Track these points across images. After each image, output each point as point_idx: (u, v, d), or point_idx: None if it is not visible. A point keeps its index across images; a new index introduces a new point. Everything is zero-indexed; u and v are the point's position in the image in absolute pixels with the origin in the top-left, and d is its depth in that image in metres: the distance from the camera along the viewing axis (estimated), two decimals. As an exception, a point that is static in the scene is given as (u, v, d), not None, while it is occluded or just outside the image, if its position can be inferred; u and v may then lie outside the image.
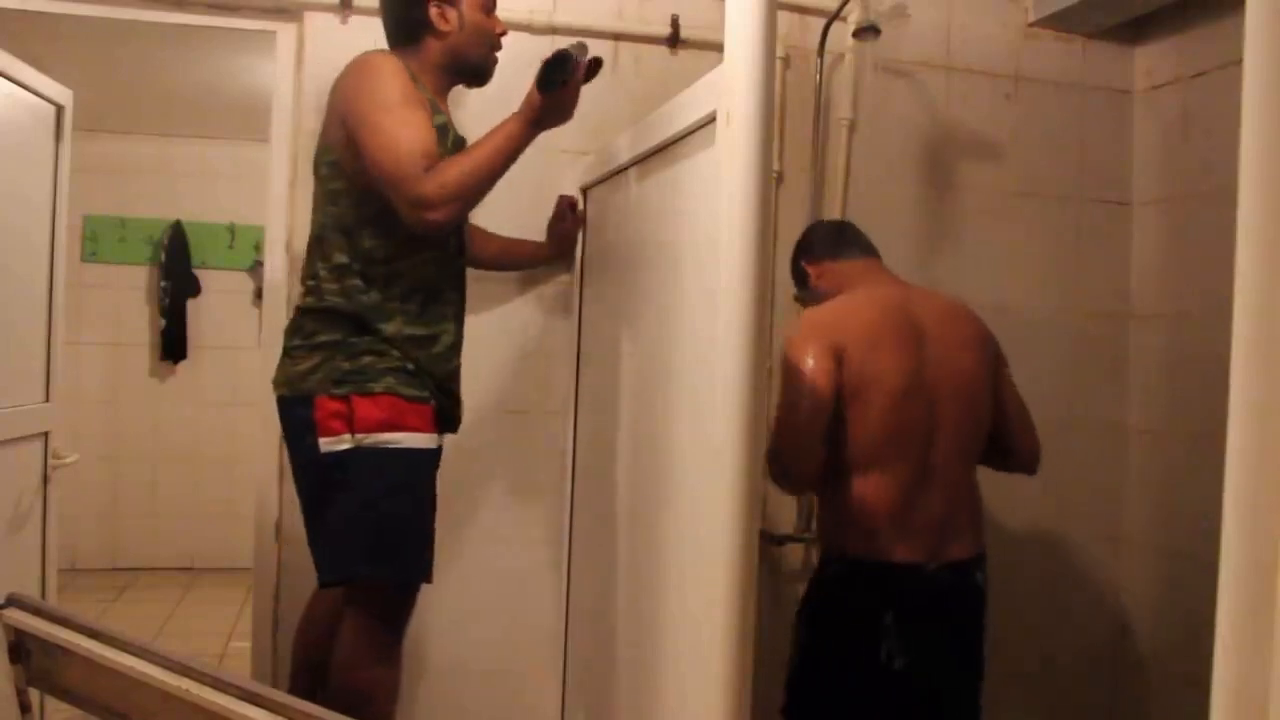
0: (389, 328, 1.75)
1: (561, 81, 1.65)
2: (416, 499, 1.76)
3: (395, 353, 1.74)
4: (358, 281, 1.75)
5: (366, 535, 1.71)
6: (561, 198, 2.28)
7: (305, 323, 1.79)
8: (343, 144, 1.75)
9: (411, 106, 1.68)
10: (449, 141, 1.78)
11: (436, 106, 1.80)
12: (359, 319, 1.74)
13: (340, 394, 1.71)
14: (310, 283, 1.81)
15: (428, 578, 1.78)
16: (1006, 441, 2.01)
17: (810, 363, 1.82)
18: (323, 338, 1.75)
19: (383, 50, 1.82)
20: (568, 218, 2.27)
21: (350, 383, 1.71)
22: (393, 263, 1.76)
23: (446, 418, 1.86)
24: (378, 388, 1.71)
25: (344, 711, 1.60)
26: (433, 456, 1.79)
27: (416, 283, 1.78)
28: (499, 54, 1.94)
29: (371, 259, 1.75)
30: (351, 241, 1.76)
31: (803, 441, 1.82)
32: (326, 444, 1.70)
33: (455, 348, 1.87)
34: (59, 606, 1.60)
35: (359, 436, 1.69)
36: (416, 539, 1.75)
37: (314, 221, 1.85)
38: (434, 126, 1.71)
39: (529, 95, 1.68)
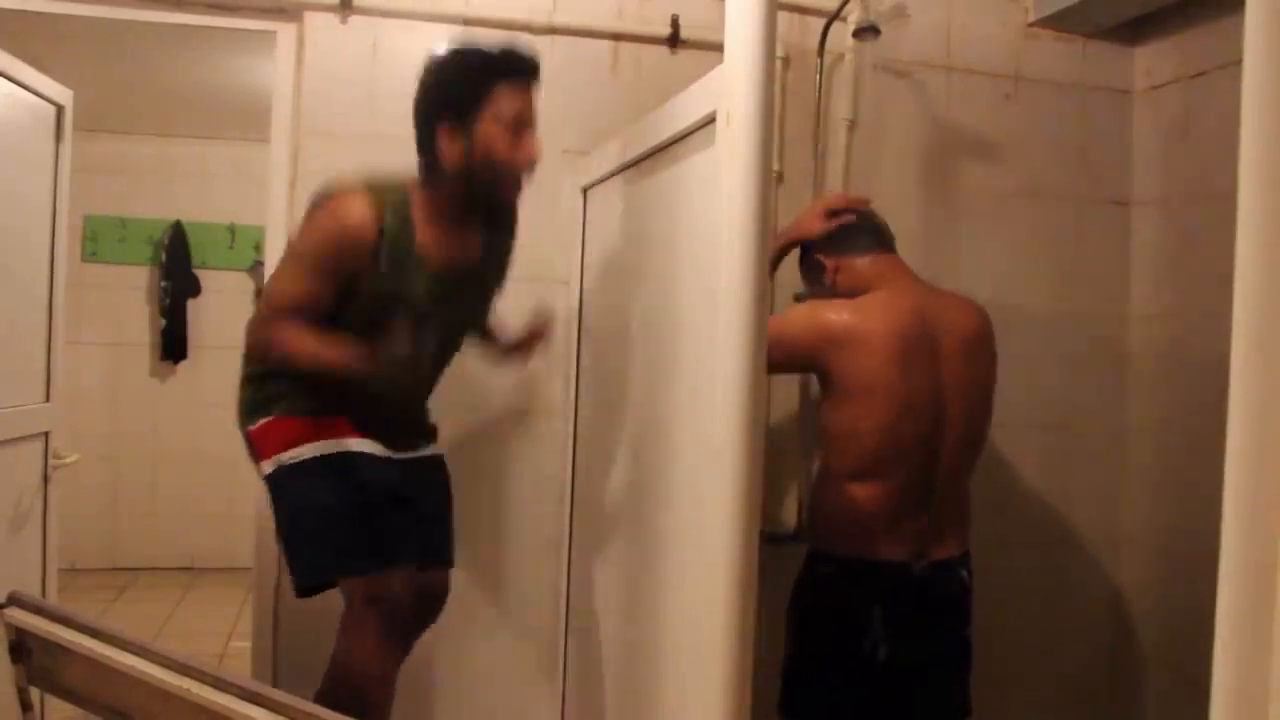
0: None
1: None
2: (333, 501, 1.77)
3: (295, 383, 1.81)
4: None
5: (305, 544, 1.80)
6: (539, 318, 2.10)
7: (241, 364, 1.91)
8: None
9: (314, 273, 1.73)
10: (390, 303, 1.75)
11: (399, 267, 1.75)
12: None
13: (255, 425, 1.83)
14: None
15: (376, 568, 1.76)
16: None
17: (780, 355, 1.79)
18: (245, 372, 1.88)
19: (358, 193, 1.72)
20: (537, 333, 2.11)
21: (259, 412, 1.83)
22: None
23: (379, 422, 1.85)
24: (277, 410, 1.81)
25: (336, 702, 1.61)
26: (345, 460, 1.79)
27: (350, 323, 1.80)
28: (523, 186, 1.79)
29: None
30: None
31: None
32: (263, 469, 1.82)
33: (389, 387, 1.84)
34: (60, 606, 1.60)
35: (275, 458, 1.79)
36: (349, 536, 1.77)
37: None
38: (336, 291, 1.73)
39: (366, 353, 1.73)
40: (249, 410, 1.85)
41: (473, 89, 1.72)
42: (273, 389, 1.82)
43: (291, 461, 1.78)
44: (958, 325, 1.92)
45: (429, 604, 1.97)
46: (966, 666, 1.98)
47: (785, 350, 1.84)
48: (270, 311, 1.78)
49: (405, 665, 1.89)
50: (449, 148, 1.73)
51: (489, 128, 1.71)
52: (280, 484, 1.80)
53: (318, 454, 1.78)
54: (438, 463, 2.00)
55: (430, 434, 2.01)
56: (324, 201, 1.76)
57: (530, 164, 1.77)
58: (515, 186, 1.78)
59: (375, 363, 1.72)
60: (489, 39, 1.81)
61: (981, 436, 1.97)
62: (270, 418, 1.81)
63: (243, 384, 1.88)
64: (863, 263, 1.98)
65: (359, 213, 1.70)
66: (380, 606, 1.75)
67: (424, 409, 2.01)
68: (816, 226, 2.03)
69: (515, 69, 1.74)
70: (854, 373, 1.84)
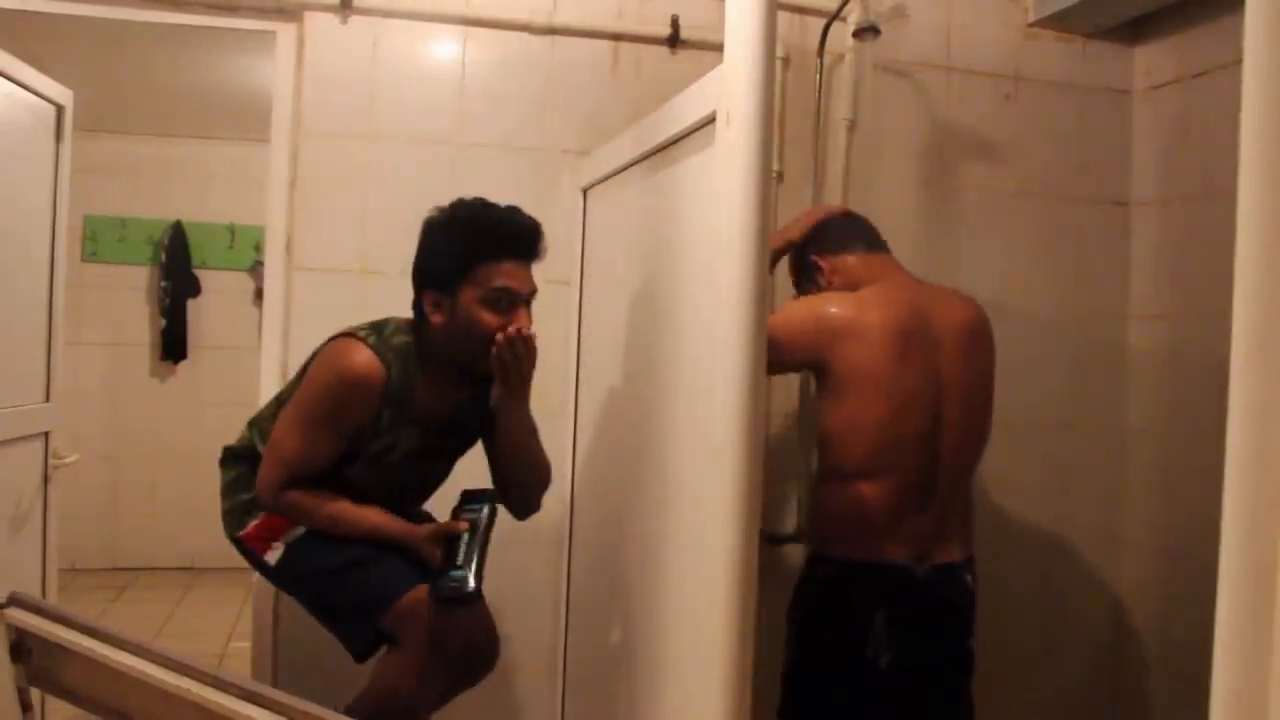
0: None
1: (450, 601, 1.64)
2: (349, 546, 1.76)
3: None
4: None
5: (345, 600, 1.76)
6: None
7: (221, 470, 1.90)
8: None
9: (320, 427, 1.72)
10: (385, 459, 1.77)
11: (398, 419, 1.74)
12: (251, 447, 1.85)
13: (247, 528, 1.82)
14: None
15: (409, 585, 1.71)
16: None
17: (780, 353, 1.79)
18: (228, 477, 1.87)
19: (367, 345, 1.71)
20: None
21: (248, 515, 1.82)
22: None
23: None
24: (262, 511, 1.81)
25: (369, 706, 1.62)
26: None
27: (347, 481, 1.83)
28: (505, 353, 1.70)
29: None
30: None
31: None
32: (271, 560, 1.81)
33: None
34: (59, 606, 1.60)
35: (282, 542, 1.79)
36: (380, 569, 1.75)
37: None
38: (339, 447, 1.73)
39: (422, 549, 1.71)
40: (238, 515, 1.83)
41: (458, 262, 1.69)
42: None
43: (298, 536, 1.78)
44: (955, 319, 1.93)
45: (474, 652, 1.81)
46: (969, 677, 1.97)
47: (785, 347, 1.84)
48: (276, 470, 1.75)
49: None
50: (433, 313, 1.72)
51: (471, 301, 1.68)
52: (294, 559, 1.78)
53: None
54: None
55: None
56: (332, 351, 1.74)
57: (519, 338, 1.69)
58: (496, 356, 1.70)
59: (425, 551, 1.71)
60: (492, 210, 1.75)
61: (983, 432, 1.96)
62: (261, 516, 1.80)
63: (225, 491, 1.87)
64: (857, 262, 1.99)
65: (366, 363, 1.69)
66: (422, 628, 1.68)
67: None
68: (796, 230, 2.06)
69: (505, 247, 1.70)
70: (854, 366, 1.83)
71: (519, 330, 1.70)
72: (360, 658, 1.77)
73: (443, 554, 1.68)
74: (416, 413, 1.76)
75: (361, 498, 1.78)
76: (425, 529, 1.75)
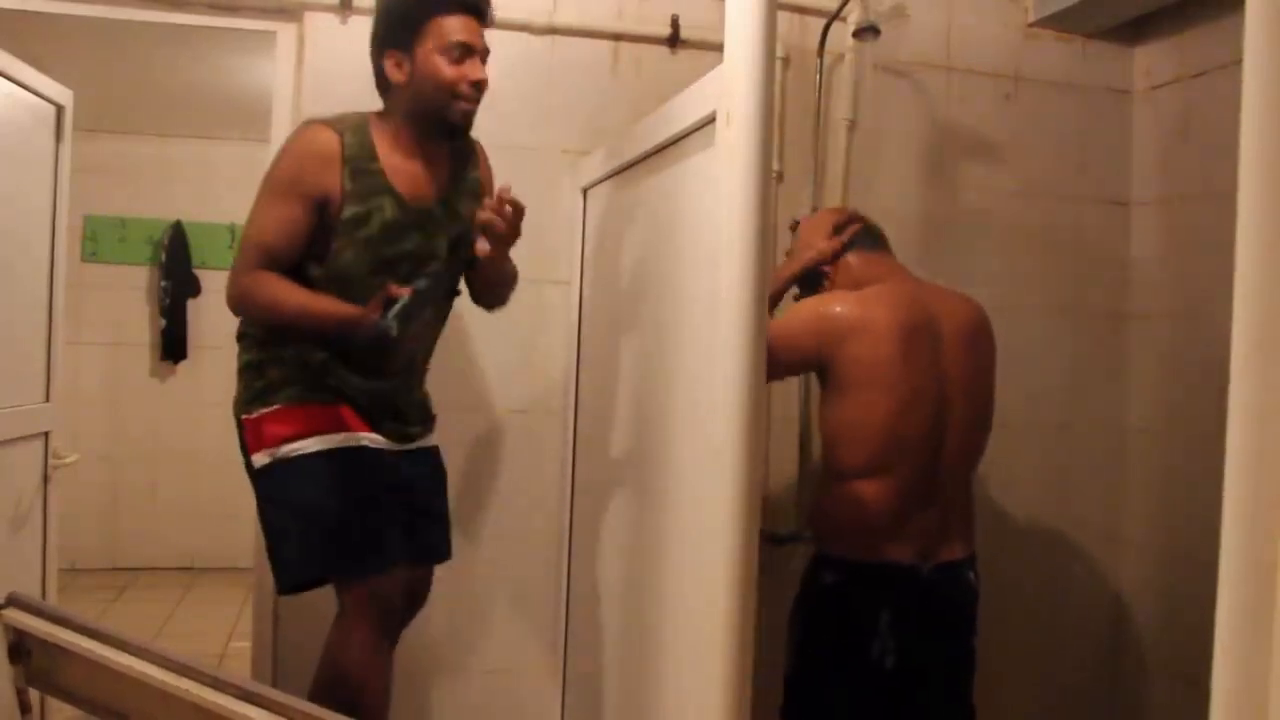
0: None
1: (371, 339, 1.66)
2: (337, 499, 1.76)
3: (294, 353, 1.79)
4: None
5: (299, 542, 1.76)
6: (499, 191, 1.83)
7: (238, 350, 1.89)
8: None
9: (284, 199, 1.75)
10: (363, 231, 1.76)
11: (365, 187, 1.77)
12: (266, 337, 1.82)
13: (253, 414, 1.80)
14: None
15: (376, 569, 1.76)
16: None
17: (786, 356, 1.82)
18: (243, 359, 1.86)
19: (320, 122, 1.80)
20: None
21: (259, 401, 1.80)
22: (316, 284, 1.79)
23: (381, 410, 1.85)
24: (278, 401, 1.79)
25: (328, 700, 1.61)
26: (349, 455, 1.78)
27: (337, 272, 1.78)
28: (470, 104, 1.79)
29: (304, 279, 1.79)
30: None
31: None
32: (257, 460, 1.79)
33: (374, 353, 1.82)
34: (59, 606, 1.60)
35: (272, 450, 1.77)
36: (348, 536, 1.75)
37: None
38: (307, 219, 1.74)
39: (373, 321, 1.66)
40: (248, 399, 1.82)
41: (413, 18, 1.79)
42: (275, 375, 1.80)
43: (293, 455, 1.75)
44: (958, 318, 1.93)
45: (415, 600, 1.95)
46: (970, 676, 1.97)
47: (790, 350, 1.84)
48: (248, 253, 1.75)
49: (406, 665, 1.89)
50: (395, 74, 1.80)
51: (429, 54, 1.78)
52: (275, 478, 1.77)
53: (321, 448, 1.76)
54: (435, 456, 1.99)
55: (431, 421, 1.99)
56: (288, 139, 1.83)
57: (475, 86, 1.80)
58: (462, 109, 1.80)
59: (367, 320, 1.66)
60: None
61: (985, 430, 1.97)
62: (271, 408, 1.78)
63: (242, 370, 1.85)
64: (860, 261, 2.00)
65: (320, 133, 1.78)
66: (378, 605, 1.74)
67: (424, 390, 1.98)
68: (830, 245, 2.03)
69: (457, 2, 1.79)
70: (860, 364, 1.83)
71: (471, 104, 1.80)
72: (285, 592, 1.80)
73: (382, 308, 1.67)
74: (384, 182, 1.79)
75: (353, 294, 1.73)
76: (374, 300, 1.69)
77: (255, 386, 1.81)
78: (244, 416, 1.82)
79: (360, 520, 1.76)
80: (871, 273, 1.97)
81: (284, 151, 1.81)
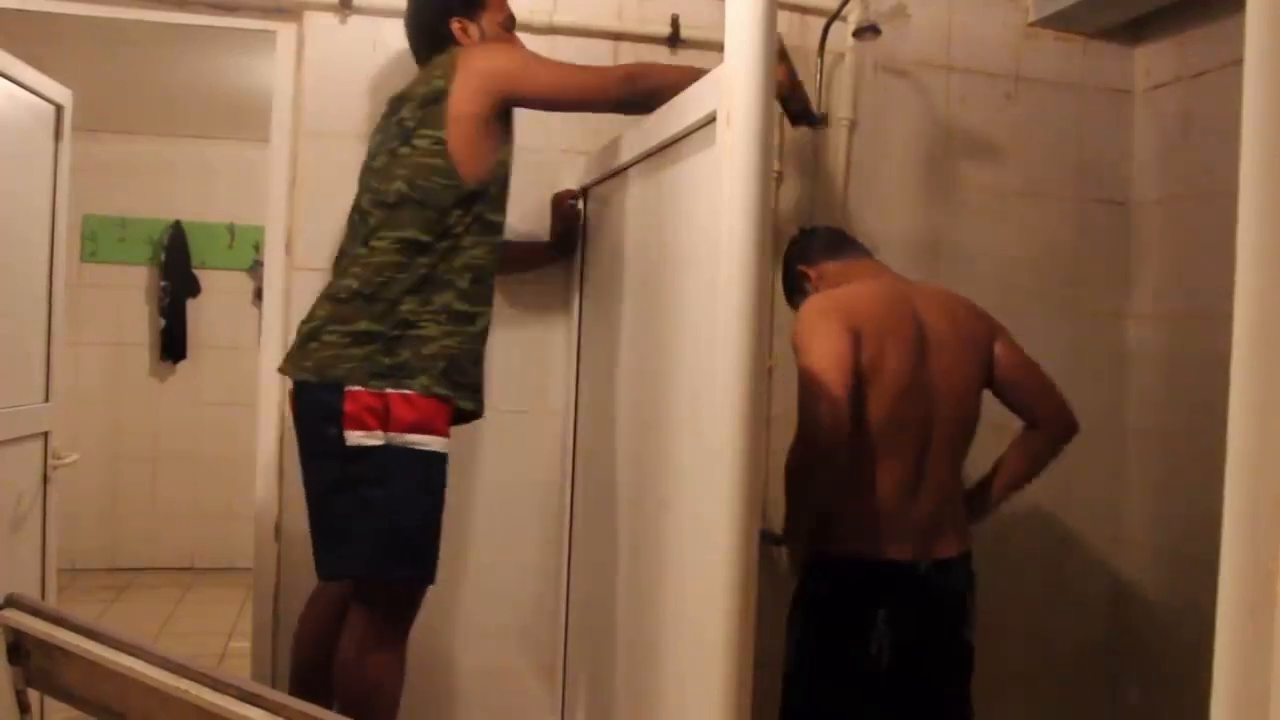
0: (440, 299, 1.75)
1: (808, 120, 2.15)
2: (436, 502, 1.77)
3: (433, 347, 1.74)
4: (423, 258, 1.75)
5: (386, 534, 1.71)
6: (560, 193, 2.26)
7: (344, 310, 1.76)
8: (469, 119, 1.78)
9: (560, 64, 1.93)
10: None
11: None
12: (402, 302, 1.74)
13: (377, 389, 1.70)
14: (355, 268, 1.78)
15: (432, 580, 1.80)
16: (1029, 413, 1.98)
17: (827, 354, 1.80)
18: (364, 327, 1.73)
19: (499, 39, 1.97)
20: (569, 212, 2.25)
21: (389, 378, 1.71)
22: (460, 239, 1.78)
23: (468, 412, 1.86)
24: (414, 386, 1.71)
25: (351, 706, 1.62)
26: (443, 462, 1.79)
27: (471, 261, 1.80)
28: None
29: (446, 233, 1.77)
30: (427, 215, 1.76)
31: (830, 438, 1.77)
32: (356, 437, 1.69)
33: (486, 334, 1.87)
34: (58, 607, 1.60)
35: (390, 435, 1.70)
36: (431, 542, 1.77)
37: (372, 196, 1.84)
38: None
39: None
40: (370, 370, 1.70)
41: None
42: (408, 357, 1.72)
43: (415, 446, 1.70)
44: (943, 312, 1.94)
45: None
46: (968, 673, 1.97)
47: (836, 367, 1.79)
48: (604, 82, 1.88)
49: (407, 665, 1.89)
50: (465, 34, 1.94)
51: (493, 25, 1.97)
52: (381, 462, 1.69)
53: (439, 450, 1.73)
54: None
55: None
56: (489, 46, 1.94)
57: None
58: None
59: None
60: None
61: (970, 425, 1.96)
62: (403, 391, 1.70)
63: (355, 336, 1.72)
64: (839, 267, 2.02)
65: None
66: (413, 612, 1.77)
67: None
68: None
69: None
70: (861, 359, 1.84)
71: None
72: (329, 579, 1.81)
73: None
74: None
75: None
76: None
77: (383, 362, 1.71)
78: (356, 387, 1.70)
79: (439, 529, 1.77)
80: (852, 274, 2.00)
81: (515, 47, 1.98)
